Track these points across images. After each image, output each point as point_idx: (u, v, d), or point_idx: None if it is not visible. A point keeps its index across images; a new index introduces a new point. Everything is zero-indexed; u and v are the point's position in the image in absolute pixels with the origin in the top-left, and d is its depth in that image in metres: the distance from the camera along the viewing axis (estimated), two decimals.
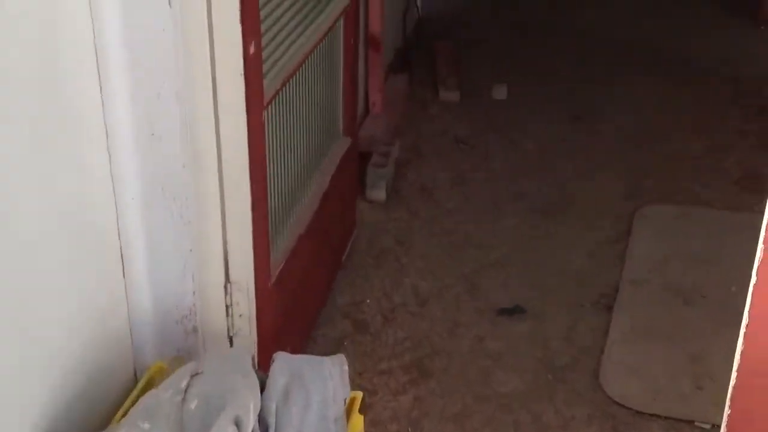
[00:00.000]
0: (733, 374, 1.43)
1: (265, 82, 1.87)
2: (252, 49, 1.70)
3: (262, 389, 1.42)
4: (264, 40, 1.86)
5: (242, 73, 1.67)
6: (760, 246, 1.34)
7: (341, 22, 2.49)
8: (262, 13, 1.83)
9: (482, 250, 2.89)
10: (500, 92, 4.08)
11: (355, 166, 2.88)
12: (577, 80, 4.21)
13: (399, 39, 4.33)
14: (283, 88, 2.04)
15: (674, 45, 4.62)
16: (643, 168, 3.40)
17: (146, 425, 1.28)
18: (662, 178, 3.32)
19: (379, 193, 3.18)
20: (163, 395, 1.35)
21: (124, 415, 1.39)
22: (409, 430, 2.15)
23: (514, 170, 3.41)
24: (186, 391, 1.35)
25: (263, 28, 1.84)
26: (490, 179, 3.35)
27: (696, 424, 2.16)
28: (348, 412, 1.51)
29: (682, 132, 3.69)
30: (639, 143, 3.60)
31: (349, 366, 1.51)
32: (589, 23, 4.91)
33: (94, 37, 1.44)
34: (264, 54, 1.86)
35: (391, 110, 3.76)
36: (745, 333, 1.39)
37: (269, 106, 1.94)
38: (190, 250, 1.64)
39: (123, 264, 1.62)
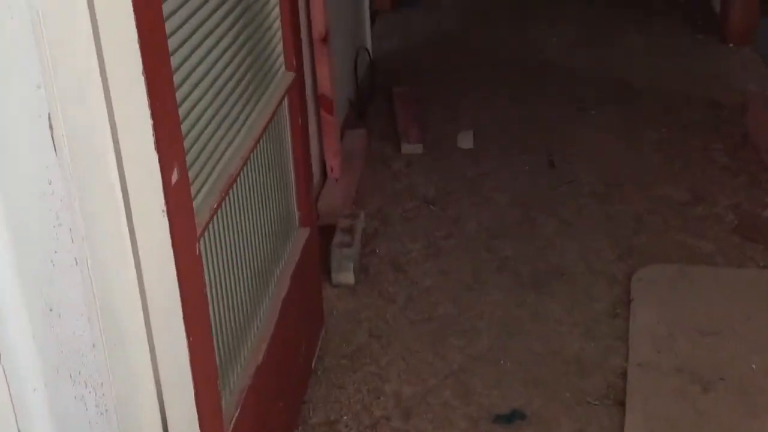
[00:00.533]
0: None
1: (197, 204, 1.53)
2: (175, 177, 1.35)
3: None
4: (191, 156, 1.51)
5: (164, 209, 1.32)
6: None
7: (285, 102, 2.16)
8: (186, 125, 1.49)
9: (467, 338, 2.57)
10: (466, 140, 3.78)
11: (317, 257, 2.54)
12: (545, 119, 3.92)
13: (352, 89, 4.02)
14: (223, 202, 1.70)
15: (642, 70, 4.36)
16: (630, 220, 3.11)
17: None
18: (653, 231, 3.03)
19: (346, 276, 2.84)
20: None
21: None
22: None
23: (491, 232, 3.10)
24: None
25: (188, 142, 1.50)
26: (466, 246, 3.03)
27: None
28: None
29: (665, 172, 3.42)
30: (620, 189, 3.31)
31: None
32: (550, 54, 4.64)
33: None
34: (193, 172, 1.52)
35: (351, 173, 3.43)
36: None
37: (206, 231, 1.60)
38: None
39: None
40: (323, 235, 3.00)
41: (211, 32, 1.69)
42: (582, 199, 3.26)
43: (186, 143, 1.48)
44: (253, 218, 1.94)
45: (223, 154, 1.68)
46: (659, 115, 3.88)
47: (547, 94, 4.17)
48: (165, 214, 1.32)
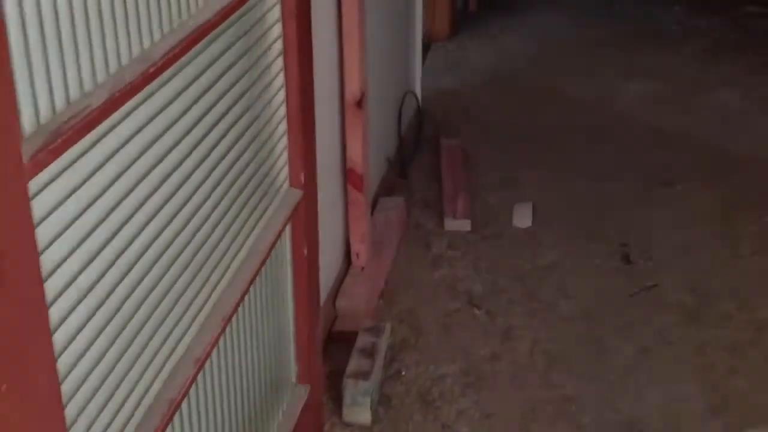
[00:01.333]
0: None
1: None
2: None
3: None
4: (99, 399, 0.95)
5: None
6: None
7: (288, 228, 1.59)
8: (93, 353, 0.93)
9: None
10: (524, 217, 3.16)
11: (319, 417, 1.96)
12: (620, 193, 3.28)
13: (393, 144, 3.43)
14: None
15: (739, 134, 3.69)
16: (726, 352, 2.46)
17: None
18: (756, 373, 2.39)
19: (361, 415, 2.26)
20: None
21: None
22: None
23: (550, 355, 2.49)
24: None
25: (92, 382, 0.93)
26: (516, 374, 2.42)
27: None
28: None
29: None
30: (714, 304, 2.67)
31: None
32: (627, 108, 3.98)
33: None
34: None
35: (381, 256, 2.85)
36: None
37: None
38: None
39: None
40: (339, 344, 2.44)
41: (183, 159, 1.13)
42: (666, 316, 2.62)
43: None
44: (227, 395, 1.37)
45: (163, 364, 1.11)
46: (761, 196, 3.21)
47: (622, 159, 3.52)
48: None
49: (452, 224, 3.12)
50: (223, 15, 1.16)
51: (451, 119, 3.90)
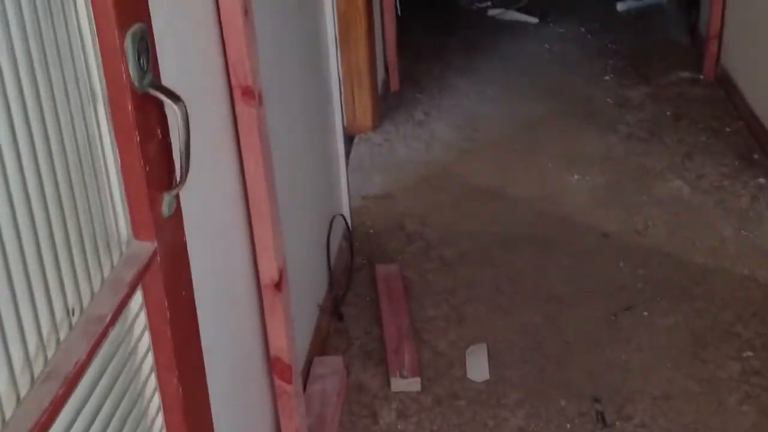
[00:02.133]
0: None
1: None
2: None
3: None
4: None
5: None
6: None
7: None
8: None
9: None
10: (479, 366, 2.77)
11: None
12: (581, 325, 2.92)
13: (322, 279, 3.00)
14: None
15: (697, 237, 3.39)
16: None
17: None
18: None
19: None
20: None
21: None
22: None
23: None
24: None
25: None
26: None
27: None
28: None
29: None
30: None
31: None
32: (572, 207, 3.64)
33: None
34: None
35: None
36: None
37: None
38: None
39: None
40: None
41: None
42: None
43: None
44: None
45: None
46: (735, 321, 2.89)
47: (576, 279, 3.17)
48: None
49: (400, 384, 2.70)
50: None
51: (385, 236, 3.50)
